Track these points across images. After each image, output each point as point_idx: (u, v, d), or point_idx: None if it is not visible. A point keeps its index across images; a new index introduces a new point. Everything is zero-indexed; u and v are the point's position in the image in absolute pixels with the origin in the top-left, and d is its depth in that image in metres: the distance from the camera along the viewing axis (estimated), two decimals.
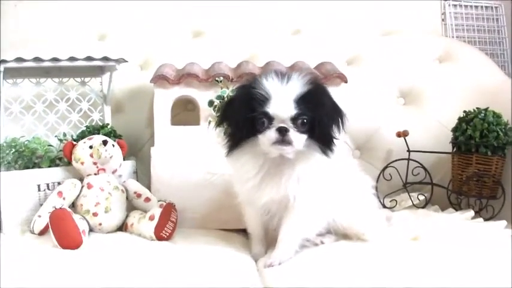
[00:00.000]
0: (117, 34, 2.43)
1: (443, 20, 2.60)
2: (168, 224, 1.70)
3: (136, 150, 2.19)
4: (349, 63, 2.47)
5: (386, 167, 2.13)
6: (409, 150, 2.12)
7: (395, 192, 2.13)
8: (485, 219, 1.92)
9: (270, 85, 1.42)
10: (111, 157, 1.78)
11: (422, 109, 2.34)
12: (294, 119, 1.42)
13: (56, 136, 1.93)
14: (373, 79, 2.40)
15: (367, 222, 1.69)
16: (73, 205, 1.77)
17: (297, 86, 1.43)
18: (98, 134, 1.91)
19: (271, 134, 1.40)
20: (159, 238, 1.69)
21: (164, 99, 2.00)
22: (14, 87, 1.96)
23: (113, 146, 1.81)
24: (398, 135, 2.12)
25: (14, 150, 1.77)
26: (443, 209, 2.05)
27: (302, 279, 1.38)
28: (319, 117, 1.45)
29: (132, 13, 2.44)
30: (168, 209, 1.73)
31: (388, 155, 2.22)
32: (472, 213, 1.94)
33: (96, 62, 1.95)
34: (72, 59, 1.91)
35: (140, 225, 1.74)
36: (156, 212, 1.72)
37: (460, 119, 2.06)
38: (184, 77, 1.98)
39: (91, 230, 1.74)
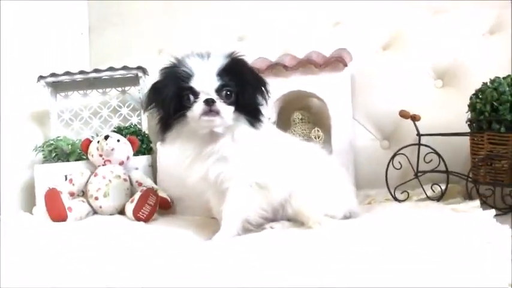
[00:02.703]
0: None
1: None
2: (145, 206, 1.88)
3: None
4: (385, 49, 2.30)
5: (395, 155, 1.89)
6: (419, 134, 1.86)
7: (407, 183, 1.90)
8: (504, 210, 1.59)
9: (192, 62, 1.48)
10: (112, 149, 2.03)
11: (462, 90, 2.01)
12: (218, 91, 1.46)
13: (91, 137, 2.25)
14: (409, 63, 2.20)
15: (315, 209, 1.58)
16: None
17: (217, 61, 1.48)
18: (122, 133, 2.19)
19: (198, 106, 1.44)
20: (137, 219, 1.87)
21: None
22: (65, 99, 2.42)
23: (118, 141, 2.06)
24: (403, 115, 1.87)
25: (50, 148, 2.18)
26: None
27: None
28: (242, 87, 1.48)
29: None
30: (147, 193, 1.90)
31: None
32: (476, 203, 1.63)
33: (119, 71, 2.29)
34: (97, 70, 2.29)
35: (126, 207, 1.95)
36: (136, 195, 1.92)
37: (475, 91, 1.74)
38: None
39: (95, 212, 2.02)
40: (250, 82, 1.51)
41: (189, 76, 1.46)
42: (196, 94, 1.46)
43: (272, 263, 1.18)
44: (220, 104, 1.44)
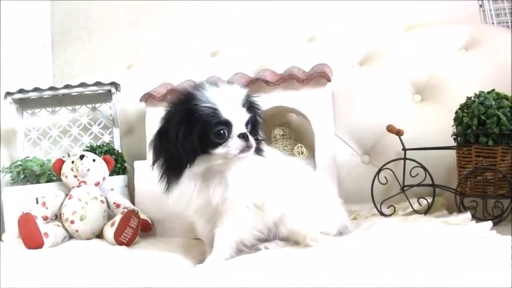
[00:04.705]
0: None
1: (480, 6, 2.26)
2: (126, 229, 1.77)
3: None
4: (362, 64, 2.31)
5: (381, 170, 1.88)
6: (404, 149, 1.86)
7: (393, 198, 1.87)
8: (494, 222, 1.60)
9: (211, 95, 1.38)
10: (88, 170, 1.93)
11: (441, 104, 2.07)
12: (246, 123, 1.42)
13: (63, 157, 2.14)
14: (387, 78, 2.20)
15: (311, 226, 1.53)
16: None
17: (235, 92, 1.43)
18: (95, 152, 2.09)
19: (237, 143, 1.38)
20: (119, 243, 1.76)
21: (154, 116, 2.01)
22: (32, 117, 2.28)
23: (94, 160, 1.96)
24: (390, 130, 1.87)
25: (19, 169, 2.05)
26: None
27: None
28: (257, 117, 1.49)
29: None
30: (128, 216, 1.79)
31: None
32: (468, 215, 1.63)
33: (91, 87, 2.18)
34: (68, 86, 2.17)
35: (106, 231, 1.85)
36: (117, 218, 1.81)
37: (460, 106, 1.76)
38: (169, 92, 2.07)
39: (71, 236, 1.90)
40: (259, 111, 1.50)
41: (214, 110, 1.36)
42: (230, 128, 1.38)
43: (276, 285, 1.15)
44: (251, 138, 1.40)
